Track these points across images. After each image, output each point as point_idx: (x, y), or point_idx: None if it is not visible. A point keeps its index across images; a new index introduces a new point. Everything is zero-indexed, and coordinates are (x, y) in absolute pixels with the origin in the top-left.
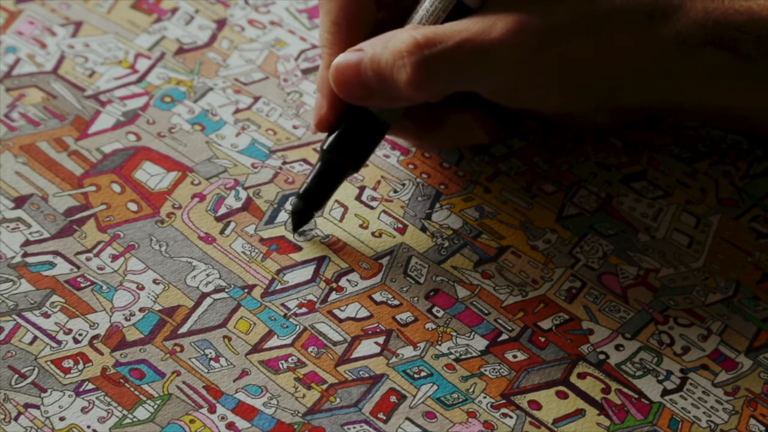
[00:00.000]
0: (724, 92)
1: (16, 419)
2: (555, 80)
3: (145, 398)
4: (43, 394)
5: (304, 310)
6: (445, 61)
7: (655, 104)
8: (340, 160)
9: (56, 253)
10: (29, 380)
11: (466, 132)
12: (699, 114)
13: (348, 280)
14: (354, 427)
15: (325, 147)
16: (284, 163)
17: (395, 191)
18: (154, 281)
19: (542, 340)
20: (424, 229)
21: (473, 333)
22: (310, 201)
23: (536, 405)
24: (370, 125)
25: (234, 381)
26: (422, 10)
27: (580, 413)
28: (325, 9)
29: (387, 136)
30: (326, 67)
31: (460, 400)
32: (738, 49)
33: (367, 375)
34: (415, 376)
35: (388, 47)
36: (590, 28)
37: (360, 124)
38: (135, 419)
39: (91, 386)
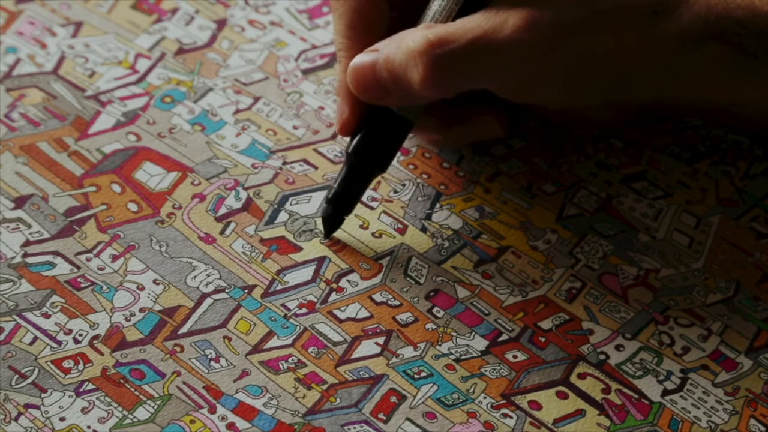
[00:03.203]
0: (728, 88)
1: (16, 419)
2: (564, 76)
3: (145, 398)
4: (43, 395)
5: (304, 310)
6: (457, 60)
7: (659, 101)
8: (366, 162)
9: (56, 253)
10: (29, 380)
11: (483, 127)
12: (702, 112)
13: (348, 281)
14: (354, 428)
15: (350, 150)
16: (284, 163)
17: (395, 192)
18: (155, 281)
19: (542, 340)
20: (424, 230)
21: (473, 333)
22: (340, 205)
23: (536, 405)
24: (392, 125)
25: (234, 381)
26: (435, 6)
27: (580, 413)
28: (338, 13)
29: (409, 134)
30: (344, 70)
31: (461, 400)
32: (741, 44)
33: (367, 375)
34: (416, 376)
35: (401, 47)
36: (598, 24)
37: (383, 125)
38: (135, 419)
39: (91, 386)
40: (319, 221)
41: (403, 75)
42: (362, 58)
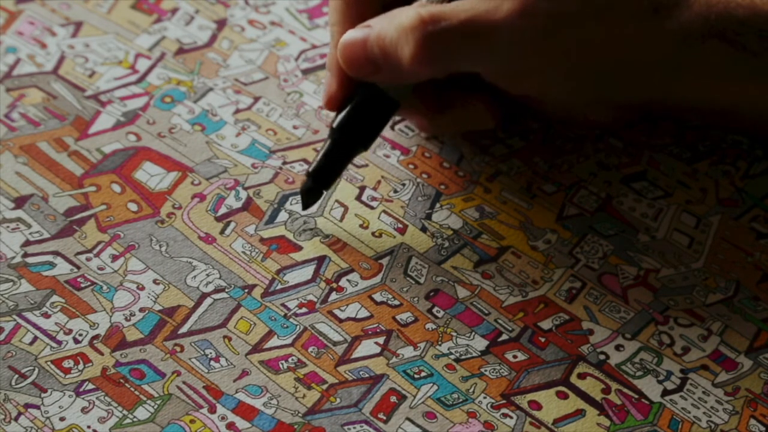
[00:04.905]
0: (728, 87)
1: (16, 419)
2: (557, 66)
3: (145, 398)
4: (43, 394)
5: (304, 310)
6: (449, 39)
7: (657, 100)
8: (349, 138)
9: (56, 253)
10: (29, 380)
11: (473, 116)
12: (701, 112)
13: (348, 280)
14: (354, 428)
15: (334, 125)
16: (284, 163)
17: (395, 191)
18: (155, 281)
19: (542, 340)
20: (424, 229)
21: (473, 333)
22: (320, 179)
23: (536, 405)
24: (379, 103)
25: (234, 381)
26: None
27: (580, 413)
28: None
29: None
30: (335, 45)
31: (461, 400)
32: (741, 42)
33: (367, 375)
34: (416, 376)
35: (393, 23)
36: (596, 16)
37: (369, 102)
38: (135, 419)
39: (91, 386)
40: (319, 220)
41: (394, 51)
42: (354, 33)
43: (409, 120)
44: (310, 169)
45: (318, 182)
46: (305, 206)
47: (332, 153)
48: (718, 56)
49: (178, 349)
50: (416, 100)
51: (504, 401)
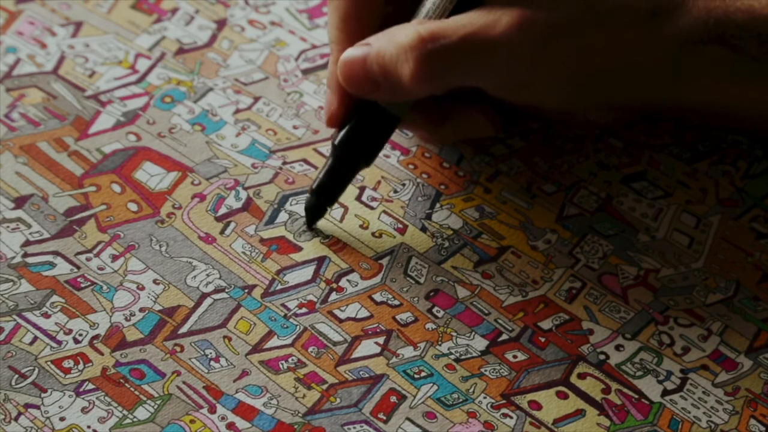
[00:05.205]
0: (727, 90)
1: (16, 419)
2: (557, 75)
3: (145, 398)
4: (43, 394)
5: (304, 310)
6: (448, 56)
7: (657, 102)
8: (351, 155)
9: (56, 253)
10: (29, 380)
11: (474, 125)
12: (700, 113)
13: (348, 281)
14: (354, 428)
15: (336, 142)
16: (284, 163)
17: (395, 191)
18: (155, 281)
19: (542, 340)
20: (424, 230)
21: (473, 333)
22: (323, 196)
23: (536, 405)
24: (380, 119)
25: (234, 381)
26: (429, 3)
27: (580, 413)
28: (333, 5)
29: (396, 131)
30: (335, 62)
31: (461, 400)
32: (740, 47)
33: (367, 375)
34: (416, 376)
35: (392, 41)
36: (595, 23)
37: (370, 119)
38: (135, 419)
39: (91, 386)
40: (320, 221)
41: (394, 69)
42: (353, 52)
43: (411, 132)
44: (314, 186)
45: (321, 199)
46: (310, 224)
47: (335, 170)
48: (718, 60)
49: (178, 349)
50: (416, 114)
51: (504, 401)
